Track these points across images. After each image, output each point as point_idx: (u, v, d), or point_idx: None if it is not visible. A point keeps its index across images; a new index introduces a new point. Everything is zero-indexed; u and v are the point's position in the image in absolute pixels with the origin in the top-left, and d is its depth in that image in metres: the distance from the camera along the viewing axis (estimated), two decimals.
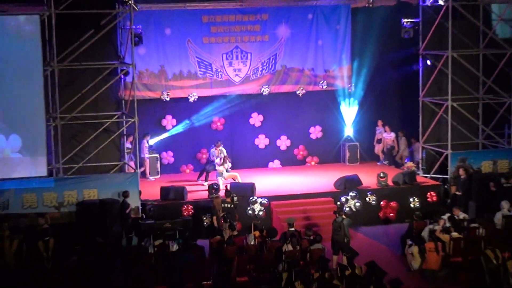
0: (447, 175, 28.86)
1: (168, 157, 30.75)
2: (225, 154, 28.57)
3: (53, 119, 25.78)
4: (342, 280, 18.98)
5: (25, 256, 21.95)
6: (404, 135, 31.52)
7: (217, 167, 28.31)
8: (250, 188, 27.06)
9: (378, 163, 31.85)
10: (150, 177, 29.69)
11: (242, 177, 28.83)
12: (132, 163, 28.31)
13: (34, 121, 25.41)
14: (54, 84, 25.69)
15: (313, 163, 32.38)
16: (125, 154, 28.04)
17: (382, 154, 32.00)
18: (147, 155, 29.73)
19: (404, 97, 31.98)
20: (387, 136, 31.54)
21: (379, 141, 31.93)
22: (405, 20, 30.44)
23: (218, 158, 28.42)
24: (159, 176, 29.96)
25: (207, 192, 26.68)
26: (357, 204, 26.74)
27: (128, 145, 28.50)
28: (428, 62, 30.17)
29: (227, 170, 28.52)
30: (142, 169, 29.80)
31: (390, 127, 31.50)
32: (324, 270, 19.51)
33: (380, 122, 31.82)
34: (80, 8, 25.96)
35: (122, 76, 27.35)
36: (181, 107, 30.74)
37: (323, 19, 31.26)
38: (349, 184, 27.67)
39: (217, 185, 27.02)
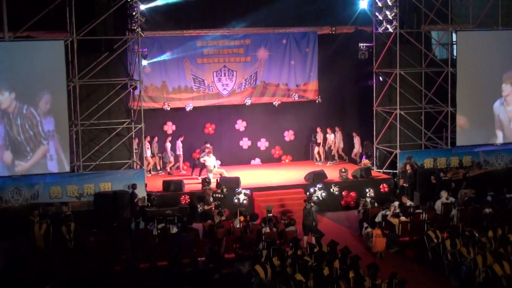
0: (396, 170, 28.84)
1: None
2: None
3: (75, 125, 25.62)
4: (312, 256, 18.93)
5: (52, 238, 21.77)
6: (340, 130, 31.26)
7: (206, 163, 28.21)
8: (236, 181, 26.97)
9: (317, 163, 31.21)
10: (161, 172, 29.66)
11: (229, 172, 28.70)
12: (172, 158, 29.72)
13: (59, 127, 25.25)
14: (76, 96, 25.54)
15: (287, 160, 32.27)
16: (168, 151, 29.32)
17: (322, 155, 31.43)
18: (179, 153, 29.78)
19: (361, 106, 31.88)
20: (329, 137, 31.01)
21: (318, 144, 31.36)
22: (362, 44, 30.41)
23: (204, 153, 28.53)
24: (161, 171, 29.83)
25: (201, 184, 26.54)
26: (323, 194, 26.75)
27: (167, 143, 29.55)
28: (380, 78, 30.15)
29: (215, 166, 28.39)
30: (177, 164, 29.88)
31: (331, 129, 31.15)
32: (297, 248, 19.50)
33: (319, 129, 31.29)
34: (97, 34, 25.96)
35: (131, 90, 27.19)
36: (179, 115, 30.61)
37: (295, 43, 31.23)
38: (317, 177, 27.63)
39: (209, 178, 26.89)
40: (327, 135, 31.10)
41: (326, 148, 31.26)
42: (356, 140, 31.21)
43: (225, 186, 25.63)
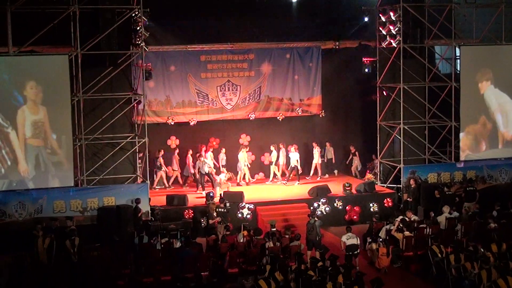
0: (400, 184, 28.77)
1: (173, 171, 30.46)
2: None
3: (79, 140, 25.64)
4: (315, 271, 18.86)
5: (55, 252, 21.71)
6: (284, 147, 30.53)
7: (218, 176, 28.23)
8: (240, 195, 26.91)
9: (280, 182, 30.43)
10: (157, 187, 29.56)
11: (233, 186, 28.72)
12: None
13: (63, 141, 25.24)
14: (80, 111, 25.57)
15: (291, 175, 32.12)
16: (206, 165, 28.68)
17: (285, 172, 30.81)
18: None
19: (365, 121, 31.90)
20: (293, 156, 29.99)
21: (275, 162, 30.63)
22: (365, 58, 30.48)
23: (207, 165, 28.51)
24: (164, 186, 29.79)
25: (204, 199, 26.47)
26: (327, 208, 26.73)
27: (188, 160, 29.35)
28: (384, 93, 30.14)
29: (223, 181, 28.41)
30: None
31: (296, 148, 30.61)
32: (300, 263, 19.43)
33: (274, 146, 30.50)
34: (101, 49, 26.06)
35: (135, 104, 27.21)
36: (183, 130, 30.59)
37: (298, 58, 31.22)
38: (321, 192, 27.56)
39: (213, 193, 26.84)
40: (290, 154, 30.13)
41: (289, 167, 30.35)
42: (316, 151, 30.97)
43: (228, 200, 25.60)
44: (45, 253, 21.65)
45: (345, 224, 26.80)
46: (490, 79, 29.40)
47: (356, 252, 21.85)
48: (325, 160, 31.26)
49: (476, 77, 29.25)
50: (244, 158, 29.93)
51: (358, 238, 22.29)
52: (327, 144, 31.35)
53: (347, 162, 31.80)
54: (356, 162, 31.42)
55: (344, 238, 22.16)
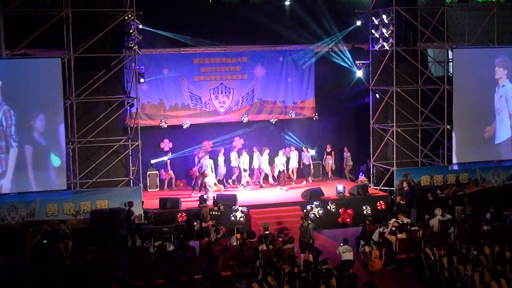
0: (393, 187, 28.80)
1: (166, 173, 30.48)
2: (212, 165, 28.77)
3: (72, 143, 25.64)
4: (309, 273, 18.87)
5: (39, 254, 21.61)
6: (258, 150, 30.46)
7: (206, 179, 28.11)
8: (233, 198, 26.90)
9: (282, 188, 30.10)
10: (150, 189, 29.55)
11: (226, 190, 28.76)
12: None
13: (56, 144, 25.20)
14: (73, 114, 25.59)
15: (280, 179, 32.06)
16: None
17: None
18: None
19: (358, 124, 31.93)
20: (279, 160, 29.87)
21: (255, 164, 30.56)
22: (358, 61, 30.51)
23: (209, 167, 28.42)
24: (158, 189, 29.74)
25: (198, 202, 26.44)
26: (320, 211, 26.75)
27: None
28: (377, 96, 30.17)
29: (215, 183, 28.35)
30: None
31: (288, 152, 30.70)
32: (294, 266, 19.43)
33: (246, 151, 30.31)
34: (94, 52, 26.06)
35: (128, 108, 27.18)
36: (176, 133, 30.57)
37: (291, 61, 31.27)
38: (314, 195, 27.58)
39: (206, 196, 26.82)
40: (276, 158, 29.95)
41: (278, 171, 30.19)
42: (294, 155, 30.75)
43: (222, 203, 25.59)
44: (29, 254, 21.63)
45: (338, 227, 27.00)
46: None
47: (350, 269, 21.19)
48: (301, 166, 31.13)
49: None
50: (266, 160, 29.97)
51: (353, 252, 22.18)
52: (304, 149, 31.16)
53: (323, 162, 31.72)
54: (331, 162, 31.36)
55: (340, 250, 21.93)
